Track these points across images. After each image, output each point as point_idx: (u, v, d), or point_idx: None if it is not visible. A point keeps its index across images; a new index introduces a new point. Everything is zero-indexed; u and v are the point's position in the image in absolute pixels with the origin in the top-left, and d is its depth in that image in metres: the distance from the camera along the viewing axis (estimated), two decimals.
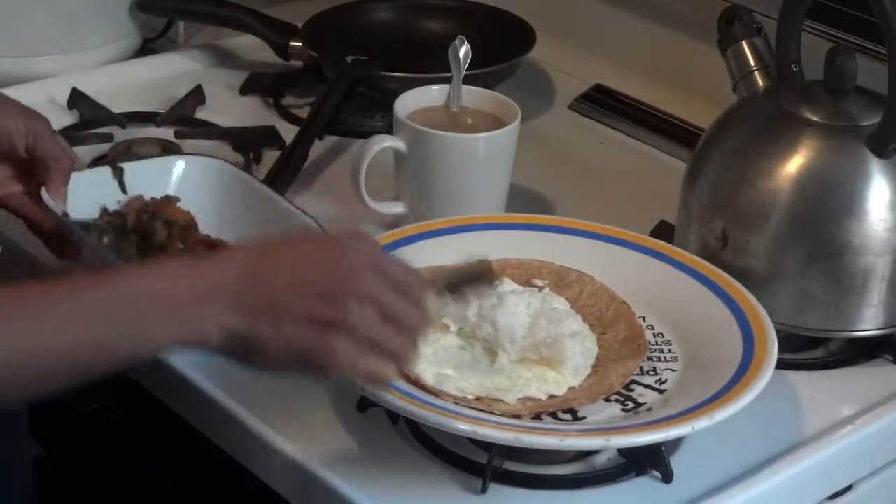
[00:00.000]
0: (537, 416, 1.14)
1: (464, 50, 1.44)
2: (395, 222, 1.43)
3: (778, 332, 1.20)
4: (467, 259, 1.15)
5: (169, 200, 1.33)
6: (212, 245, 1.30)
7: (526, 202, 1.50)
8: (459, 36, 1.45)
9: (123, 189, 1.33)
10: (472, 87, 1.46)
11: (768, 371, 1.14)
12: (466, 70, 1.44)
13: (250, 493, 1.21)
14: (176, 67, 1.76)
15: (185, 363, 1.24)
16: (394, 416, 1.17)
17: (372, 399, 1.11)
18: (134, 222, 1.29)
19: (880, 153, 1.26)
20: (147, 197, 1.33)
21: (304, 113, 1.63)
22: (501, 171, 1.43)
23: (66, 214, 1.25)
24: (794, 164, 1.27)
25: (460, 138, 1.40)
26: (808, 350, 1.32)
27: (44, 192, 1.25)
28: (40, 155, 1.25)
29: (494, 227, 1.33)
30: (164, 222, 1.30)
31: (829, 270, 1.26)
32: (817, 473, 1.19)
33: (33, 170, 1.26)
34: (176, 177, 1.36)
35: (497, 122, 1.43)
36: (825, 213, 1.26)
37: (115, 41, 1.78)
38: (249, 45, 1.79)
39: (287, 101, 1.70)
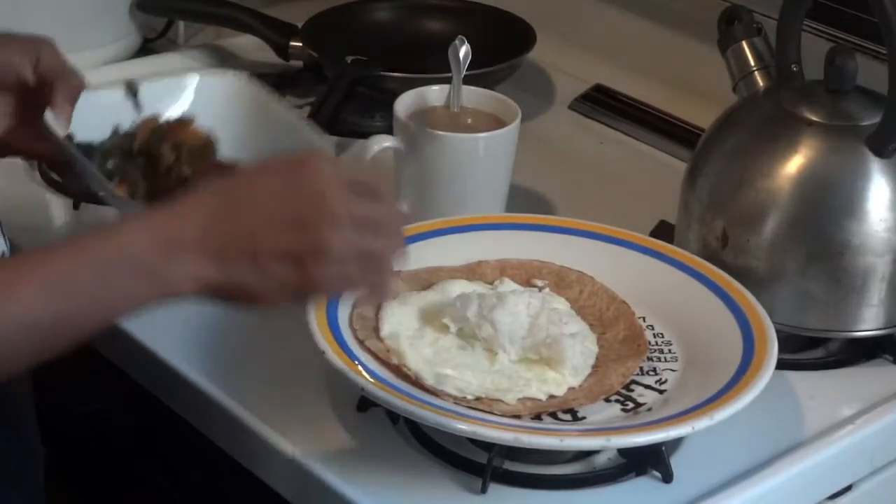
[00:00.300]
0: (537, 417, 1.14)
1: (464, 50, 1.44)
2: None
3: (778, 332, 1.20)
4: None
5: (183, 121, 1.27)
6: (225, 170, 1.23)
7: (526, 202, 1.50)
8: (459, 36, 1.45)
9: (138, 108, 1.27)
10: (472, 87, 1.46)
11: (768, 371, 1.14)
12: (466, 70, 1.44)
13: (250, 493, 1.21)
14: (176, 67, 1.76)
15: (186, 363, 1.24)
16: (394, 416, 1.17)
17: (372, 399, 1.11)
18: (141, 144, 1.23)
19: (880, 153, 1.26)
20: (163, 117, 1.27)
21: (304, 113, 1.63)
22: (501, 171, 1.43)
23: (69, 138, 1.19)
24: (794, 164, 1.27)
25: (460, 138, 1.40)
26: (808, 350, 1.32)
27: (47, 114, 1.17)
28: (45, 75, 1.17)
29: (494, 227, 1.33)
30: (173, 146, 1.23)
31: (829, 270, 1.26)
32: (817, 473, 1.19)
33: (39, 95, 1.19)
34: (194, 95, 1.30)
35: (497, 122, 1.43)
36: (825, 213, 1.26)
37: (115, 41, 1.78)
38: (249, 45, 1.79)
39: (287, 101, 1.70)
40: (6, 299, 0.93)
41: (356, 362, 1.13)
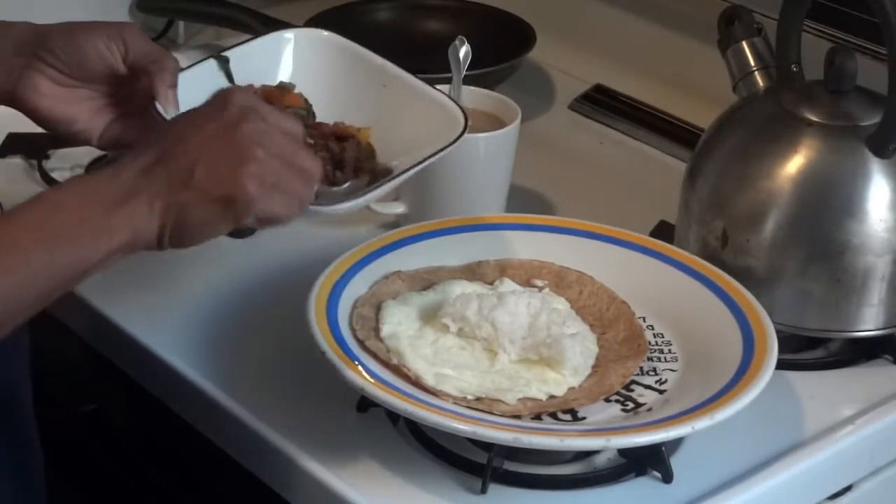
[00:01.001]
0: (537, 417, 1.14)
1: (464, 50, 1.44)
2: (395, 222, 1.43)
3: (778, 332, 1.20)
4: None
5: (284, 89, 1.24)
6: (339, 136, 1.21)
7: (526, 202, 1.50)
8: (459, 36, 1.45)
9: (231, 80, 1.25)
10: (472, 87, 1.46)
11: (768, 371, 1.14)
12: (466, 70, 1.44)
13: (250, 493, 1.21)
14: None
15: (186, 363, 1.24)
16: (394, 416, 1.17)
17: (372, 399, 1.11)
18: None
19: (880, 153, 1.26)
20: (258, 85, 1.24)
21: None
22: (501, 171, 1.43)
23: None
24: (794, 164, 1.27)
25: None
26: (808, 350, 1.32)
27: (158, 106, 1.16)
28: (138, 61, 1.17)
29: (494, 227, 1.33)
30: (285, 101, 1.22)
31: (829, 270, 1.26)
32: (817, 473, 1.19)
33: (136, 87, 1.19)
34: (287, 58, 1.27)
35: (497, 122, 1.43)
36: (825, 213, 1.26)
37: None
38: None
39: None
40: (8, 267, 0.96)
41: (356, 362, 1.13)
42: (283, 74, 1.26)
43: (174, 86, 1.17)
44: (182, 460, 1.33)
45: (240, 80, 1.24)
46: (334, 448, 1.16)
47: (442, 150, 1.18)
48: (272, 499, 1.18)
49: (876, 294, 1.27)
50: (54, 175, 1.50)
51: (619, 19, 1.77)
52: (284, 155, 1.03)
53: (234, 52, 1.25)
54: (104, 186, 1.00)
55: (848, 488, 1.23)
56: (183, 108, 1.16)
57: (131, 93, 1.19)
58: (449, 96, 1.25)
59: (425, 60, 1.58)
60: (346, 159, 1.19)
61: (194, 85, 1.19)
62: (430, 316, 1.21)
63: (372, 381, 1.11)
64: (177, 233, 1.02)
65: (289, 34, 1.28)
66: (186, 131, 1.03)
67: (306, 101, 1.24)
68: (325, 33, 1.30)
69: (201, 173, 1.00)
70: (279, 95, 1.23)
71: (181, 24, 1.86)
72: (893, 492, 1.28)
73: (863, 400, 1.25)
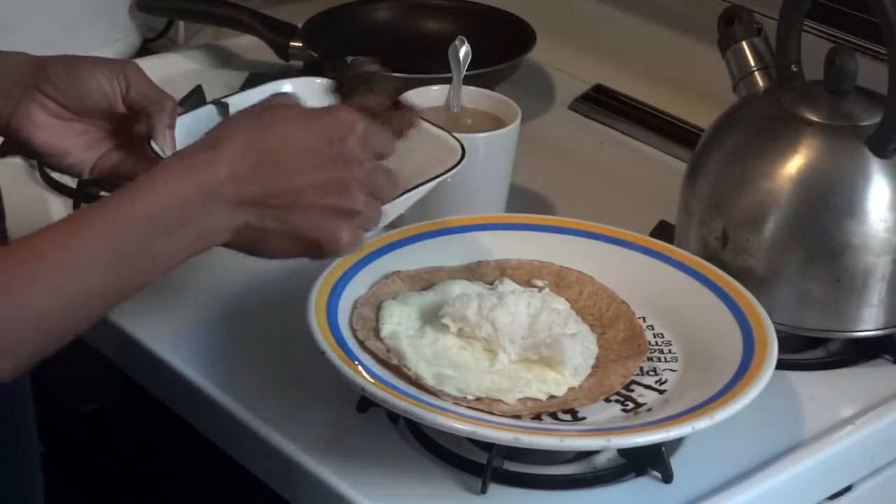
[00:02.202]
0: (537, 417, 1.14)
1: (464, 50, 1.44)
2: (395, 222, 1.42)
3: (778, 332, 1.20)
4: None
5: None
6: None
7: (526, 202, 1.50)
8: (459, 36, 1.45)
9: None
10: (472, 88, 1.46)
11: (768, 371, 1.14)
12: (466, 70, 1.44)
13: (250, 493, 1.21)
14: (176, 67, 1.76)
15: (185, 363, 1.24)
16: (394, 416, 1.17)
17: (372, 399, 1.11)
18: None
19: (880, 153, 1.26)
20: None
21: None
22: (501, 171, 1.43)
23: None
24: (794, 164, 1.27)
25: (460, 138, 1.40)
26: (808, 350, 1.32)
27: (153, 143, 1.16)
28: (137, 101, 1.17)
29: (494, 227, 1.33)
30: None
31: (829, 270, 1.26)
32: (817, 473, 1.19)
33: (131, 123, 1.19)
34: None
35: (497, 122, 1.43)
36: (825, 213, 1.26)
37: (115, 41, 1.78)
38: (249, 45, 1.79)
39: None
40: (65, 267, 0.94)
41: (356, 362, 1.13)
42: None
43: (172, 127, 1.17)
44: (182, 460, 1.33)
45: None
46: (334, 448, 1.16)
47: (438, 176, 1.19)
48: (272, 499, 1.18)
49: (876, 294, 1.27)
50: (54, 175, 1.50)
51: (619, 19, 1.77)
52: (378, 192, 1.05)
53: (233, 99, 1.25)
54: (190, 196, 0.98)
55: (848, 488, 1.23)
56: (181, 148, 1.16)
57: (126, 129, 1.19)
58: (447, 130, 1.26)
59: (425, 60, 1.58)
60: None
61: (192, 129, 1.19)
62: (430, 316, 1.20)
63: (372, 381, 1.11)
64: (246, 247, 1.02)
65: (287, 83, 1.28)
66: (286, 154, 1.01)
67: None
68: (319, 80, 1.30)
69: (298, 211, 1.00)
70: None
71: (181, 24, 1.86)
72: (893, 492, 1.28)
73: (863, 400, 1.25)
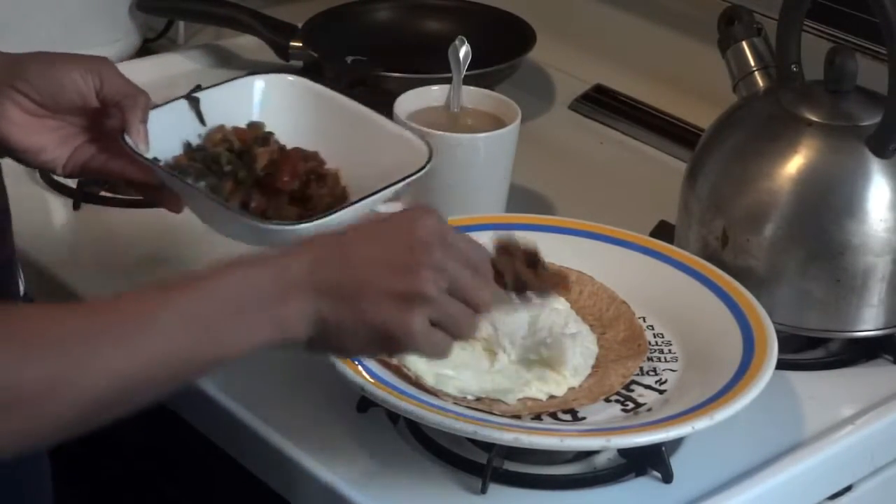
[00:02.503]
0: (537, 417, 1.14)
1: (464, 50, 1.44)
2: None
3: (778, 332, 1.20)
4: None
5: (256, 128, 1.25)
6: (320, 174, 1.23)
7: (526, 202, 1.50)
8: (459, 36, 1.45)
9: (202, 121, 1.25)
10: (472, 88, 1.46)
11: (768, 371, 1.14)
12: (466, 70, 1.44)
13: (249, 493, 1.21)
14: (176, 67, 1.76)
15: None
16: (394, 416, 1.17)
17: (372, 399, 1.11)
18: (228, 160, 1.22)
19: (880, 153, 1.26)
20: (229, 126, 1.25)
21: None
22: (501, 171, 1.43)
23: (156, 160, 1.18)
24: (794, 164, 1.27)
25: (460, 138, 1.40)
26: (808, 350, 1.32)
27: (128, 139, 1.16)
28: (111, 96, 1.17)
29: (494, 227, 1.33)
30: (263, 141, 1.23)
31: (829, 270, 1.26)
32: (817, 473, 1.19)
33: (105, 117, 1.19)
34: (257, 101, 1.28)
35: (497, 122, 1.43)
36: (825, 213, 1.26)
37: (115, 41, 1.78)
38: (249, 45, 1.79)
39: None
40: (149, 328, 0.93)
41: (356, 362, 1.13)
42: (252, 117, 1.27)
43: (145, 121, 1.17)
44: (182, 460, 1.33)
45: (210, 120, 1.25)
46: (334, 448, 1.16)
47: (407, 178, 1.19)
48: (272, 499, 1.18)
49: (876, 294, 1.27)
50: (54, 175, 1.50)
51: (619, 19, 1.77)
52: (462, 291, 1.01)
53: (204, 94, 1.26)
54: (268, 281, 0.97)
55: (848, 488, 1.23)
56: (155, 143, 1.18)
57: (99, 123, 1.19)
58: (413, 131, 1.26)
59: (425, 60, 1.58)
60: (315, 197, 1.21)
61: (164, 123, 1.20)
62: None
63: (372, 380, 1.11)
64: (325, 344, 1.00)
65: (259, 79, 1.29)
66: (364, 238, 1.01)
67: (269, 133, 1.25)
68: (291, 78, 1.31)
69: (369, 300, 0.98)
70: (248, 134, 1.24)
71: (181, 24, 1.86)
72: (893, 492, 1.28)
73: (863, 400, 1.25)
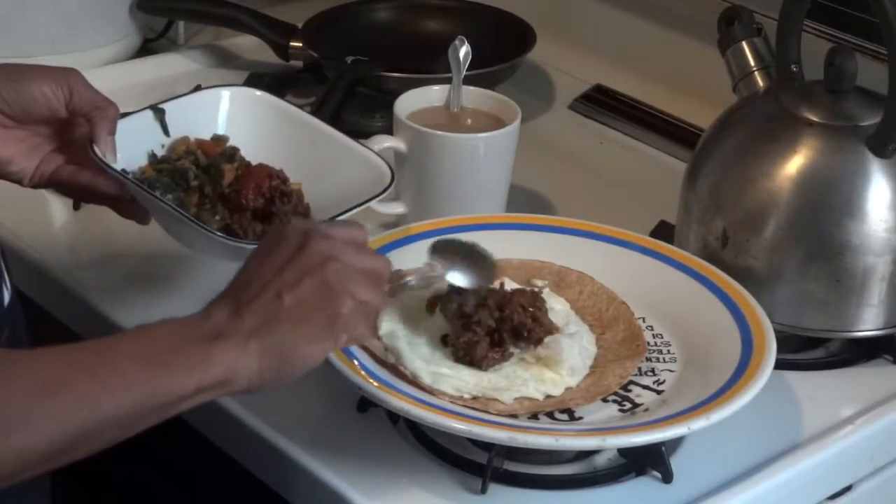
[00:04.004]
0: (534, 416, 1.14)
1: (464, 50, 1.44)
2: (395, 222, 1.43)
3: (778, 332, 1.20)
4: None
5: (220, 142, 1.26)
6: (274, 178, 1.23)
7: (526, 202, 1.50)
8: (459, 36, 1.45)
9: (166, 131, 1.26)
10: (472, 88, 1.46)
11: (766, 372, 1.14)
12: (466, 70, 1.44)
13: (249, 493, 1.21)
14: (176, 67, 1.76)
15: None
16: (394, 416, 1.17)
17: (368, 397, 1.11)
18: (195, 175, 1.23)
19: (880, 153, 1.26)
20: (192, 138, 1.26)
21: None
22: (501, 171, 1.43)
23: (124, 171, 1.19)
24: (794, 164, 1.27)
25: (460, 138, 1.40)
26: (808, 350, 1.32)
27: (95, 148, 1.17)
28: (80, 107, 1.18)
29: (494, 227, 1.33)
30: (229, 157, 1.24)
31: (829, 270, 1.26)
32: (817, 473, 1.19)
33: (74, 129, 1.20)
34: (222, 113, 1.29)
35: (497, 122, 1.43)
36: (825, 213, 1.26)
37: (115, 41, 1.78)
38: (249, 45, 1.79)
39: (287, 101, 1.69)
40: (105, 384, 0.94)
41: (354, 361, 1.13)
42: (217, 129, 1.28)
43: (113, 133, 1.18)
44: (181, 460, 1.33)
45: (175, 132, 1.26)
46: (334, 448, 1.16)
47: (367, 201, 1.20)
48: (272, 499, 1.18)
49: (876, 294, 1.27)
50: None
51: (619, 19, 1.77)
52: (357, 262, 1.02)
53: (169, 105, 1.27)
54: (197, 327, 0.98)
55: (848, 488, 1.23)
56: (120, 154, 1.19)
57: (67, 135, 1.20)
58: (375, 152, 1.27)
59: (425, 60, 1.59)
60: (279, 214, 1.22)
61: (129, 133, 1.21)
62: (428, 315, 1.20)
63: (368, 379, 1.11)
64: (276, 369, 1.00)
65: (225, 91, 1.30)
66: (257, 267, 1.01)
67: (235, 149, 1.26)
68: (258, 93, 1.32)
69: (290, 300, 0.99)
70: (213, 147, 1.25)
71: (181, 24, 1.86)
72: (893, 492, 1.28)
73: (863, 400, 1.25)
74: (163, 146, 1.26)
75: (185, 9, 1.81)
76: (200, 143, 1.26)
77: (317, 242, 1.01)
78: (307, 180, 1.25)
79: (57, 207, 1.49)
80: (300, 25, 1.75)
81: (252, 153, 1.26)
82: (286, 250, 1.01)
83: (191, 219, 1.18)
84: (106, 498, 1.45)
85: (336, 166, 1.26)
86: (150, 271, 1.37)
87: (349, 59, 1.65)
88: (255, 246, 1.11)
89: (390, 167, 1.24)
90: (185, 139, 1.26)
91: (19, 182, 1.21)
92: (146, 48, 1.84)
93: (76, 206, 1.47)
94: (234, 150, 1.26)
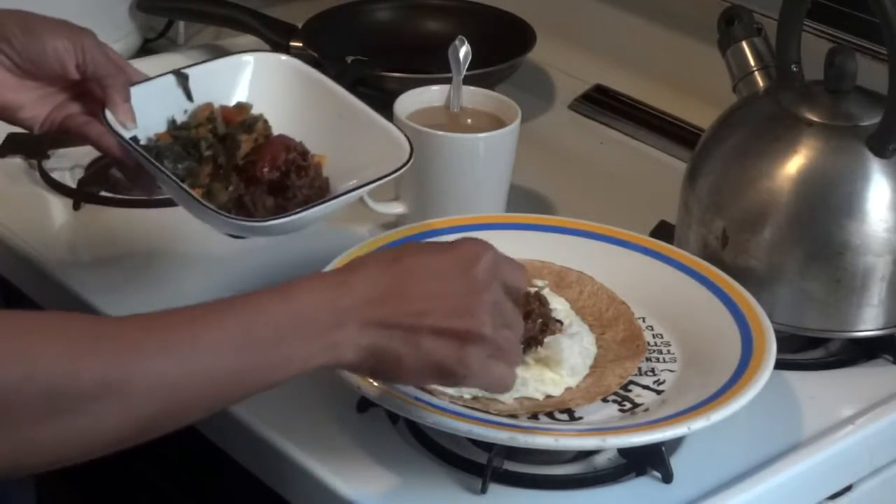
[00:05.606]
0: (534, 416, 1.14)
1: (464, 50, 1.44)
2: (395, 222, 1.43)
3: (778, 332, 1.20)
4: None
5: (243, 110, 1.24)
6: (301, 167, 1.21)
7: (526, 202, 1.50)
8: (459, 36, 1.45)
9: (189, 97, 1.24)
10: (472, 87, 1.46)
11: (766, 372, 1.14)
12: (466, 70, 1.44)
13: (249, 493, 1.21)
14: (176, 67, 1.76)
15: None
16: (394, 416, 1.17)
17: (371, 399, 1.11)
18: (208, 145, 1.21)
19: (880, 153, 1.26)
20: (216, 105, 1.24)
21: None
22: (501, 171, 1.43)
23: (135, 139, 1.18)
24: (794, 164, 1.27)
25: (460, 138, 1.40)
26: (808, 350, 1.32)
27: (108, 115, 1.16)
28: (92, 71, 1.17)
29: (494, 227, 1.33)
30: (248, 127, 1.22)
31: (829, 270, 1.26)
32: (817, 473, 1.19)
33: (90, 90, 1.19)
34: (247, 79, 1.27)
35: (497, 122, 1.43)
36: (825, 213, 1.26)
37: (115, 41, 1.77)
38: (249, 45, 1.78)
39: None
40: (196, 343, 0.93)
41: None
42: (241, 96, 1.26)
43: (128, 99, 1.17)
44: (181, 459, 1.33)
45: (198, 98, 1.24)
46: (334, 448, 1.16)
47: (387, 175, 1.19)
48: (272, 499, 1.18)
49: (876, 294, 1.27)
50: (54, 175, 1.50)
51: (619, 19, 1.77)
52: (510, 325, 1.03)
53: (193, 70, 1.25)
54: (321, 310, 0.97)
55: (848, 488, 1.23)
56: (138, 118, 1.17)
57: (79, 87, 1.19)
58: (399, 128, 1.25)
59: (425, 60, 1.58)
60: (293, 188, 1.20)
61: (150, 98, 1.20)
62: None
63: (368, 379, 1.11)
64: (380, 373, 1.02)
65: (248, 57, 1.28)
66: (424, 271, 1.01)
67: (266, 122, 1.24)
68: (285, 58, 1.30)
69: (427, 328, 0.99)
70: (236, 114, 1.23)
71: (181, 24, 1.86)
72: (893, 492, 1.28)
73: (863, 400, 1.25)
74: (185, 111, 1.24)
75: (185, 9, 1.81)
76: (224, 109, 1.24)
77: (492, 294, 1.01)
78: (327, 149, 1.23)
79: (57, 207, 1.49)
80: (300, 25, 1.75)
81: (276, 120, 1.24)
82: (462, 294, 1.01)
83: (188, 192, 1.16)
84: (103, 498, 1.45)
85: (357, 137, 1.24)
86: (150, 271, 1.37)
87: (349, 59, 1.65)
88: (253, 223, 1.09)
89: (409, 142, 1.22)
90: (208, 105, 1.24)
91: (30, 128, 1.20)
92: (146, 48, 1.84)
93: (76, 206, 1.47)
94: (255, 119, 1.23)
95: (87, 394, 0.89)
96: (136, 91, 1.19)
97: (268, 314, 0.96)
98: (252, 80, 1.26)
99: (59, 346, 0.89)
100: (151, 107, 1.20)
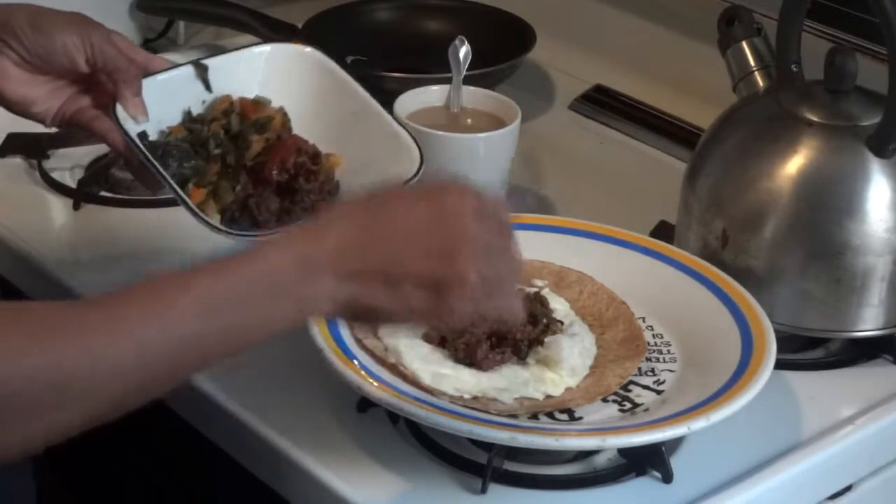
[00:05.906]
0: (534, 416, 1.14)
1: (464, 50, 1.44)
2: None
3: (778, 332, 1.20)
4: None
5: (261, 106, 1.24)
6: (311, 170, 1.21)
7: (526, 202, 1.50)
8: (459, 36, 1.45)
9: (208, 87, 1.24)
10: (472, 87, 1.46)
11: (766, 373, 1.14)
12: (466, 70, 1.44)
13: (249, 493, 1.21)
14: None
15: None
16: (394, 416, 1.17)
17: (366, 396, 1.11)
18: (217, 144, 1.21)
19: (880, 153, 1.26)
20: (235, 97, 1.23)
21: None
22: (501, 172, 1.43)
23: (145, 134, 1.17)
24: (794, 164, 1.27)
25: (460, 138, 1.40)
26: (808, 350, 1.31)
27: (119, 110, 1.16)
28: (101, 65, 1.17)
29: None
30: (260, 127, 1.21)
31: (829, 270, 1.26)
32: (817, 473, 1.19)
33: (102, 82, 1.19)
34: (266, 70, 1.26)
35: (497, 122, 1.43)
36: (825, 213, 1.26)
37: None
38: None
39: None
40: (165, 308, 0.92)
41: (354, 361, 1.13)
42: (261, 88, 1.25)
43: (139, 93, 1.17)
44: (181, 459, 1.33)
45: (217, 89, 1.24)
46: (334, 448, 1.16)
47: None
48: (272, 499, 1.18)
49: (876, 294, 1.27)
50: (54, 175, 1.50)
51: (619, 19, 1.77)
52: (493, 270, 0.99)
53: (213, 62, 1.24)
54: (291, 266, 0.95)
55: (848, 488, 1.23)
56: (152, 110, 1.17)
57: (90, 80, 1.19)
58: (412, 135, 1.24)
59: (425, 60, 1.58)
60: (301, 191, 1.19)
61: (167, 89, 1.19)
62: None
63: (368, 379, 1.11)
64: (359, 318, 1.02)
65: (269, 47, 1.28)
66: (398, 217, 0.98)
67: (285, 115, 1.23)
68: (308, 49, 1.29)
69: (404, 276, 0.96)
70: (252, 110, 1.23)
71: (181, 24, 1.86)
72: (893, 492, 1.28)
73: (863, 400, 1.25)
74: (203, 102, 1.23)
75: (185, 9, 1.81)
76: (242, 102, 1.23)
77: (473, 263, 0.97)
78: (340, 148, 1.23)
79: (57, 207, 1.49)
80: (300, 25, 1.75)
81: (293, 112, 1.23)
82: (439, 239, 0.97)
83: (182, 197, 1.16)
84: (102, 497, 1.45)
85: (370, 140, 1.24)
86: (148, 268, 1.37)
87: (349, 59, 1.65)
88: (239, 235, 1.10)
89: (421, 153, 1.21)
90: (227, 97, 1.23)
91: (42, 122, 1.20)
92: (146, 48, 1.84)
93: (76, 206, 1.47)
94: (269, 118, 1.22)
95: (77, 372, 0.89)
96: (152, 82, 1.19)
97: (235, 277, 0.95)
98: (272, 72, 1.26)
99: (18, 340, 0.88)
100: (167, 98, 1.19)
